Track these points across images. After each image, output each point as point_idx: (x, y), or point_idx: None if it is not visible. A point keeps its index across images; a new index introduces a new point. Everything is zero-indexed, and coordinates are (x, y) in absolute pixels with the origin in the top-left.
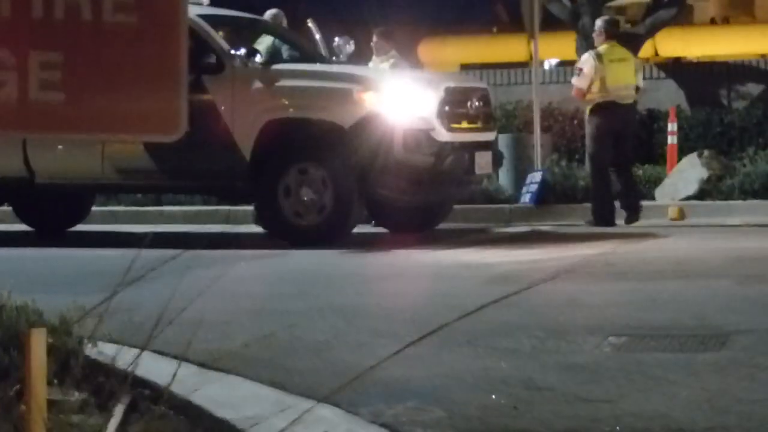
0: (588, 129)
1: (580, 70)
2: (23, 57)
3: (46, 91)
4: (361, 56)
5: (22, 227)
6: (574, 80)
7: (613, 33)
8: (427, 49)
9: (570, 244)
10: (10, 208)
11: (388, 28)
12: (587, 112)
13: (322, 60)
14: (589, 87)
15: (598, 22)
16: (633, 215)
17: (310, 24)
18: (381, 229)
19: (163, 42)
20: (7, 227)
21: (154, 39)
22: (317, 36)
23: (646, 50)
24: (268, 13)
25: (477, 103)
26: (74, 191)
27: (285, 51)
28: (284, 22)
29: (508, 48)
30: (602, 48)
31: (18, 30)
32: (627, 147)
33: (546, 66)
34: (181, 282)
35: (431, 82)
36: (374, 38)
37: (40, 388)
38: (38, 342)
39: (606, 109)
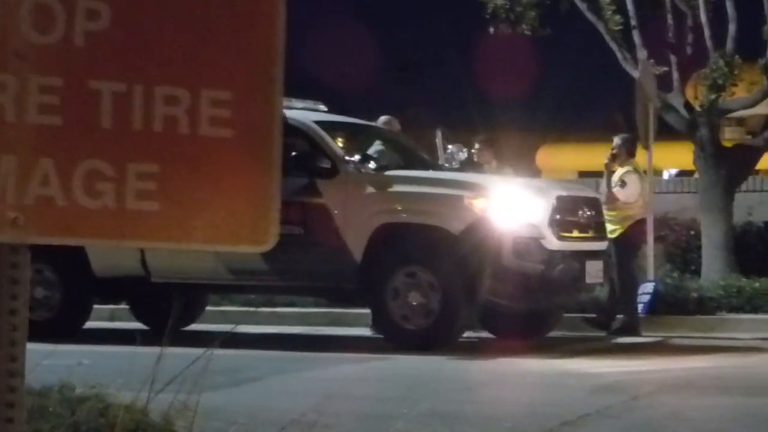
0: (625, 243)
1: (624, 183)
2: (122, 168)
3: (142, 201)
4: (473, 163)
5: (138, 326)
6: (623, 195)
7: (634, 151)
8: (545, 156)
9: (678, 356)
10: (127, 306)
11: (490, 135)
12: (618, 226)
13: (434, 166)
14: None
15: (618, 141)
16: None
17: (438, 136)
18: (488, 335)
19: (257, 155)
20: (123, 325)
21: (248, 152)
22: (439, 144)
23: (765, 162)
24: (381, 120)
25: (588, 212)
26: (189, 291)
27: (397, 156)
28: (397, 128)
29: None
30: (635, 164)
31: (118, 142)
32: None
33: (665, 176)
34: (286, 382)
35: (542, 190)
36: (476, 145)
37: None
38: None
39: (641, 224)
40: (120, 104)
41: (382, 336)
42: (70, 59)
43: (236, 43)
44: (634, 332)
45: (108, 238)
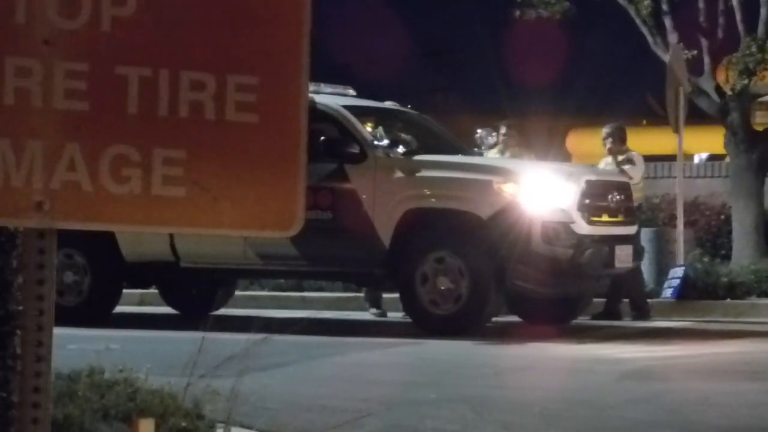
0: None
1: (632, 161)
2: (148, 153)
3: (169, 187)
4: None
5: (168, 310)
6: (634, 172)
7: (625, 138)
8: (575, 140)
9: (708, 341)
10: (157, 290)
11: (516, 121)
12: None
13: (462, 151)
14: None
15: (608, 130)
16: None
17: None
18: (517, 320)
19: (283, 140)
20: (153, 309)
21: (274, 137)
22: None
23: None
24: (387, 104)
25: (618, 197)
26: (218, 275)
27: (426, 140)
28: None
29: (658, 140)
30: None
31: (144, 127)
32: None
33: (696, 160)
34: (315, 368)
35: (571, 174)
36: (502, 130)
37: None
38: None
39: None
40: (146, 89)
41: (384, 318)
42: (96, 45)
43: (262, 27)
44: (618, 317)
45: (134, 224)
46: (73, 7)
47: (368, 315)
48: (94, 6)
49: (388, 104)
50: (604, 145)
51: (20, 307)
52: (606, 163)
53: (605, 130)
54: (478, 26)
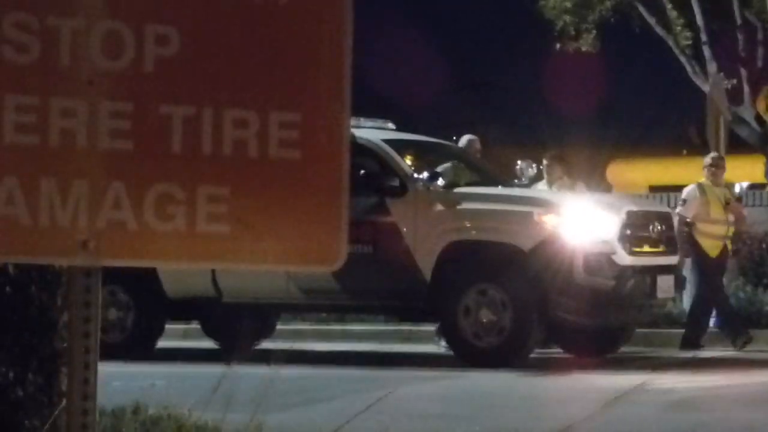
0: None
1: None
2: (192, 191)
3: (213, 224)
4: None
5: (209, 344)
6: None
7: None
8: (615, 171)
9: (752, 371)
10: (198, 325)
11: (560, 151)
12: (729, 243)
13: (503, 183)
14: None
15: (718, 158)
16: None
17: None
18: (560, 352)
19: (326, 176)
20: (195, 344)
21: (316, 173)
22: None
23: None
24: (464, 139)
25: (659, 227)
26: (260, 310)
27: (467, 173)
28: (478, 147)
29: (698, 170)
30: None
31: (188, 165)
32: None
33: (736, 189)
34: (357, 401)
35: (612, 205)
36: (545, 161)
37: None
38: None
39: None
40: (190, 128)
41: (448, 347)
42: (140, 84)
43: (304, 64)
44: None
45: (179, 261)
46: (117, 47)
47: (436, 347)
48: (137, 46)
49: (465, 139)
50: (711, 173)
51: (65, 345)
52: (703, 189)
53: (714, 158)
54: (518, 58)
